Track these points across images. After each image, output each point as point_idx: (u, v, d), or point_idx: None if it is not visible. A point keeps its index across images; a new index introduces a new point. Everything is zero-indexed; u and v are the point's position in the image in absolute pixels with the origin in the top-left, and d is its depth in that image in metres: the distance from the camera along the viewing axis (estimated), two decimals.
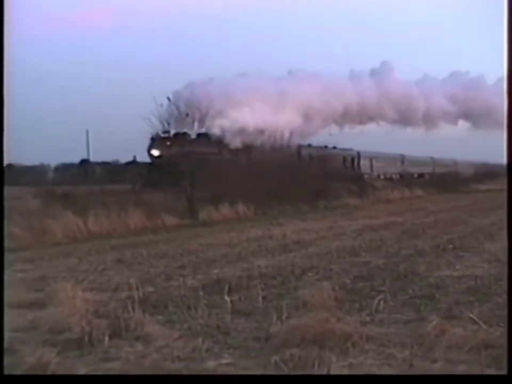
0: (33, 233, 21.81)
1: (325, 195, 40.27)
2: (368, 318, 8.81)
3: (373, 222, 26.50)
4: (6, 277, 13.78)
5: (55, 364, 6.74)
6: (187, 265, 14.89)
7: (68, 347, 7.58)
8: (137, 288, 10.47)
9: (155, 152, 44.02)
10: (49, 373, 6.58)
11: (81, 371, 6.76)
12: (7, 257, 16.87)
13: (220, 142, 46.37)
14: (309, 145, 55.28)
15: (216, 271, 13.77)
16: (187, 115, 38.12)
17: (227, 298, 9.89)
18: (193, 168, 37.99)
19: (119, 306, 9.37)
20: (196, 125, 39.08)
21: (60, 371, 6.62)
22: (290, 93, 51.75)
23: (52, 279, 12.66)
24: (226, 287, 10.96)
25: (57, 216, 23.33)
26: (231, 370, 6.78)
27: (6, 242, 19.70)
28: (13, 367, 6.76)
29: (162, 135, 41.51)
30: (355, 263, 14.55)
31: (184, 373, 6.56)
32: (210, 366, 6.94)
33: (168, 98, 39.28)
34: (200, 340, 7.80)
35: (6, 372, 6.35)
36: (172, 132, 41.10)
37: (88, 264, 15.69)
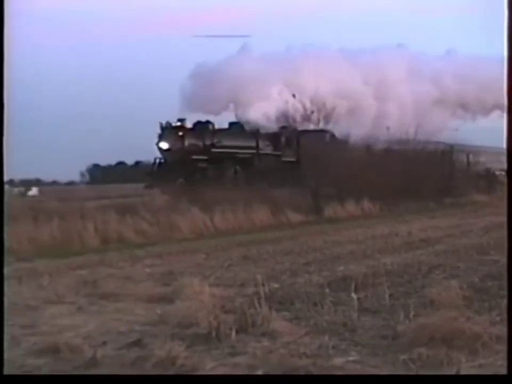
0: (161, 229, 22.27)
1: (451, 191, 39.09)
2: (498, 318, 8.56)
3: (501, 220, 25.74)
4: (136, 271, 14.19)
5: (184, 358, 6.85)
6: (312, 262, 14.87)
7: (195, 341, 7.68)
8: (263, 284, 10.51)
9: (163, 145, 38.00)
10: (177, 366, 6.69)
11: (209, 365, 6.83)
12: (137, 252, 17.38)
13: (257, 133, 41.19)
14: None
15: (341, 268, 13.69)
16: (312, 112, 36.81)
17: (354, 295, 9.82)
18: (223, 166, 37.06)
19: (246, 302, 9.42)
20: (321, 122, 37.43)
21: (188, 365, 6.72)
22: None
23: (179, 274, 12.89)
24: (353, 285, 10.88)
25: (184, 213, 23.74)
26: (359, 368, 6.72)
27: (135, 238, 20.23)
28: (142, 360, 6.91)
29: (174, 124, 37.76)
30: (483, 261, 14.19)
31: (311, 369, 6.54)
32: (337, 363, 6.89)
33: (294, 96, 38.52)
34: (326, 336, 7.77)
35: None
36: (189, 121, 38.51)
37: (214, 260, 15.89)
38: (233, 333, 7.89)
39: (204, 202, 25.20)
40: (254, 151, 40.05)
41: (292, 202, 28.97)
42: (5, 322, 9.14)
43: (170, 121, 37.51)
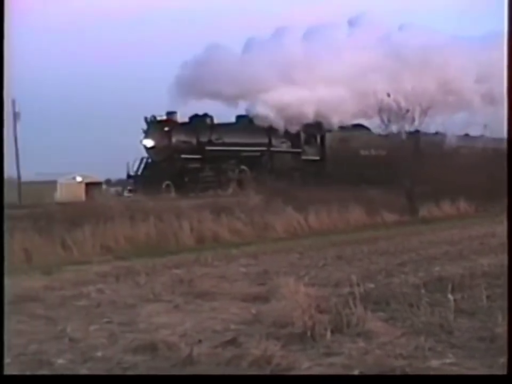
0: (255, 229, 22.38)
1: None
2: None
3: None
4: (231, 270, 14.30)
5: (279, 357, 6.86)
6: (408, 262, 14.71)
7: (291, 341, 7.69)
8: (358, 285, 10.44)
9: (147, 142, 33.00)
10: (273, 365, 6.71)
11: (305, 365, 6.83)
12: (232, 251, 17.52)
13: (270, 129, 36.66)
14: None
15: (437, 268, 13.51)
16: (407, 111, 34.35)
17: (450, 296, 9.66)
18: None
19: (341, 302, 9.38)
20: (416, 122, 34.50)
21: (284, 364, 6.74)
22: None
23: (274, 274, 12.91)
24: (449, 286, 10.71)
25: (278, 212, 23.79)
26: (455, 370, 6.62)
27: (230, 237, 20.38)
28: (237, 359, 6.95)
29: (159, 118, 33.02)
30: None
31: (407, 370, 6.47)
32: (434, 364, 6.80)
33: (388, 94, 36.14)
34: (422, 338, 7.67)
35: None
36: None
37: (309, 259, 15.87)
38: (328, 333, 7.87)
39: (298, 202, 25.19)
40: (264, 148, 36.14)
41: (386, 202, 28.70)
42: (99, 320, 9.39)
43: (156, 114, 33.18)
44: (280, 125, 36.66)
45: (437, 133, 41.29)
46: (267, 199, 25.26)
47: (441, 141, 38.53)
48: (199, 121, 34.31)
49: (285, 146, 37.55)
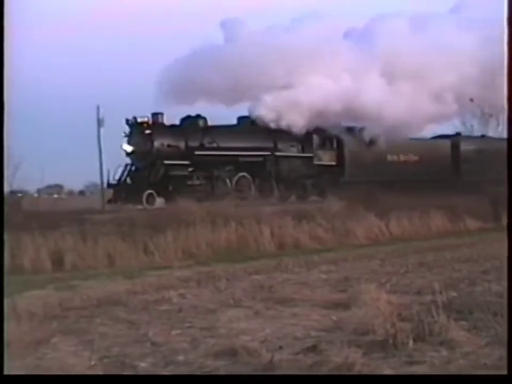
0: (336, 235, 22.29)
1: None
2: None
3: None
4: (311, 277, 14.25)
5: (360, 364, 6.81)
6: (491, 270, 14.42)
7: (372, 349, 7.61)
8: (441, 292, 10.28)
9: (126, 147, 29.39)
10: (354, 373, 6.66)
11: (386, 373, 6.76)
12: (312, 258, 17.45)
13: (275, 132, 32.31)
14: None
15: None
16: (491, 115, 32.77)
17: None
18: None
19: (423, 310, 9.24)
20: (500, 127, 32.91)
21: (366, 372, 6.68)
22: None
23: (355, 281, 12.83)
24: None
25: (359, 219, 23.65)
26: None
27: (311, 243, 20.29)
28: (318, 366, 6.92)
29: (140, 120, 29.22)
30: None
31: None
32: None
33: (471, 100, 34.57)
34: (507, 348, 7.50)
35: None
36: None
37: (390, 266, 15.73)
38: (411, 341, 7.77)
39: (379, 208, 24.99)
40: (267, 153, 31.91)
41: (469, 209, 28.24)
42: (180, 324, 9.47)
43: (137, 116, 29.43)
44: (288, 126, 32.32)
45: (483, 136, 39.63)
46: (348, 205, 25.12)
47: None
48: (189, 123, 30.57)
49: (294, 151, 33.39)
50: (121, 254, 17.06)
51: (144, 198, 27.43)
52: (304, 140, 33.25)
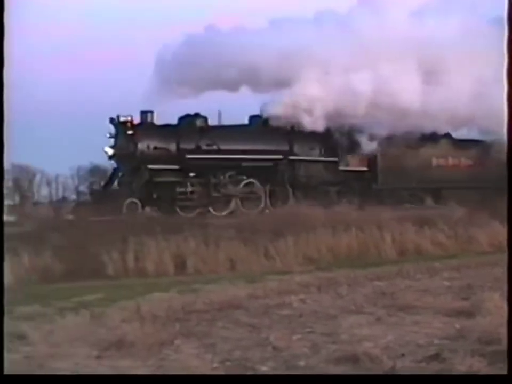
0: (458, 242, 21.84)
1: None
2: None
3: None
4: (434, 284, 14.00)
5: (485, 374, 6.64)
6: None
7: (497, 359, 7.40)
8: None
9: (108, 150, 26.29)
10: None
11: None
12: (434, 264, 17.12)
13: (294, 133, 28.48)
14: None
15: None
16: None
17: None
18: None
19: None
20: None
21: None
22: None
23: (478, 288, 12.54)
24: None
25: (483, 226, 23.09)
26: None
27: (433, 250, 19.83)
28: (443, 372, 6.78)
29: (122, 119, 25.91)
30: None
31: None
32: None
33: None
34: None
35: None
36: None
37: None
38: None
39: (503, 214, 24.25)
40: (280, 156, 28.06)
41: None
42: (301, 329, 9.45)
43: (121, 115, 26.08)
44: (307, 127, 28.30)
45: None
46: (471, 212, 24.56)
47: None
48: (185, 123, 27.12)
49: (316, 154, 29.28)
50: (243, 258, 17.18)
51: (124, 207, 24.38)
52: (328, 142, 29.37)
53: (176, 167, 26.08)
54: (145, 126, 26.09)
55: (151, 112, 26.22)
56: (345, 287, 13.36)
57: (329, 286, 13.70)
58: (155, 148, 25.95)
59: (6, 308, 11.45)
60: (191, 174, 26.69)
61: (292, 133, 28.38)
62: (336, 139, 29.39)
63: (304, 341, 8.81)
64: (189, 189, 26.23)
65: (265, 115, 28.35)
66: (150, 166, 25.46)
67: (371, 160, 30.22)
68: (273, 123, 28.02)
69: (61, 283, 14.36)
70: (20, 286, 14.18)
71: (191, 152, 26.21)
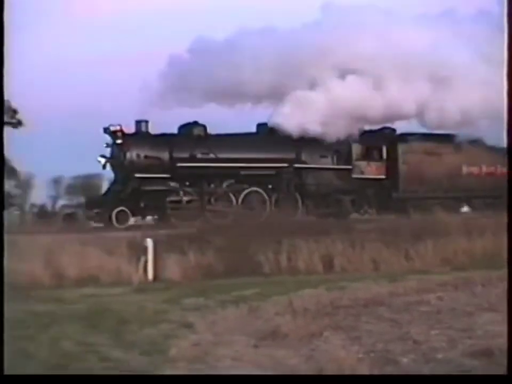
0: None
1: None
2: None
3: None
4: None
5: None
6: None
7: None
8: None
9: (100, 159, 24.47)
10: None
11: None
12: None
13: (302, 141, 25.74)
14: None
15: None
16: None
17: None
18: None
19: None
20: None
21: None
22: None
23: None
24: None
25: None
26: None
27: None
28: None
29: (112, 128, 23.89)
30: None
31: None
32: None
33: None
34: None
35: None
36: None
37: None
38: None
39: None
40: (284, 164, 25.50)
41: None
42: (439, 325, 9.28)
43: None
44: (315, 135, 25.63)
45: None
46: None
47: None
48: (182, 131, 25.35)
49: (327, 162, 26.61)
50: (385, 259, 17.02)
51: (113, 216, 22.70)
52: (341, 149, 26.73)
53: (166, 175, 23.97)
54: (136, 135, 24.30)
55: (146, 121, 24.25)
56: (480, 287, 13.02)
57: (465, 285, 13.40)
58: (146, 157, 24.08)
59: (174, 300, 11.91)
60: (185, 183, 24.74)
61: (300, 141, 25.73)
62: (349, 147, 26.91)
63: (441, 335, 8.69)
64: (182, 197, 24.31)
65: (270, 123, 26.07)
66: (137, 175, 23.69)
67: (390, 168, 27.43)
68: (279, 131, 25.58)
69: (222, 279, 14.63)
70: (187, 281, 14.66)
71: (184, 160, 24.05)
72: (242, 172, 24.64)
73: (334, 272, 16.18)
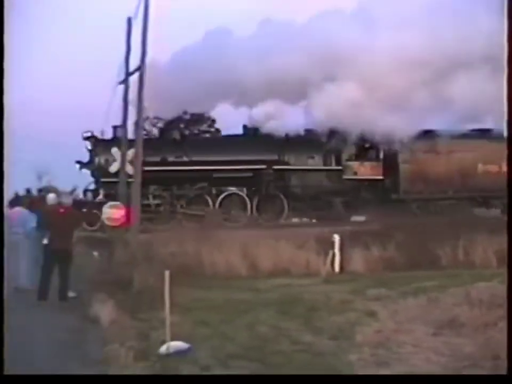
0: None
1: None
2: None
3: None
4: None
5: None
6: None
7: None
8: None
9: (77, 165, 23.09)
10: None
11: None
12: None
13: (285, 142, 23.09)
14: None
15: None
16: None
17: None
18: None
19: None
20: None
21: None
22: None
23: None
24: None
25: None
26: None
27: None
28: None
29: (84, 135, 22.47)
30: None
31: None
32: None
33: None
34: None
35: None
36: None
37: None
38: None
39: None
40: (262, 166, 22.81)
41: None
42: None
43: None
44: (299, 134, 23.36)
45: None
46: None
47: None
48: (162, 136, 23.85)
49: (316, 163, 23.52)
50: None
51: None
52: (330, 150, 23.59)
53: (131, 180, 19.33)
54: (107, 141, 22.48)
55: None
56: None
57: None
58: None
59: (359, 290, 11.81)
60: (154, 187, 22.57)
61: (285, 142, 23.23)
62: (339, 147, 23.67)
63: None
64: (151, 201, 22.45)
65: (252, 125, 23.62)
66: (102, 179, 22.11)
67: (388, 168, 23.75)
68: (262, 133, 23.14)
69: (403, 272, 14.36)
70: (370, 273, 14.52)
71: (153, 164, 21.26)
72: (215, 175, 22.62)
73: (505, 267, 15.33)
